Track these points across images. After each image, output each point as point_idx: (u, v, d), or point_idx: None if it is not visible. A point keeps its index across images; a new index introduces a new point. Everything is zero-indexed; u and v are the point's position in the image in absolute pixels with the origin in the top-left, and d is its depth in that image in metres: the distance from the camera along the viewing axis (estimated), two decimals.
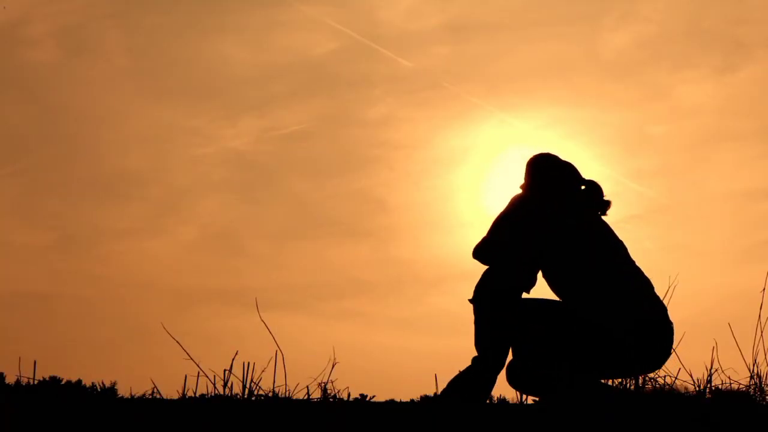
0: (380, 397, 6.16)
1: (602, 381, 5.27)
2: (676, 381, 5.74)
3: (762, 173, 14.29)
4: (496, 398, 6.55)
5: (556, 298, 5.34)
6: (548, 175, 5.42)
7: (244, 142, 14.87)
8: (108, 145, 15.07)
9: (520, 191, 5.49)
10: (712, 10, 14.10)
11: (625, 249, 5.30)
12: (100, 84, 14.71)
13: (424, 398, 6.20)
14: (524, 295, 5.35)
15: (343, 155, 14.85)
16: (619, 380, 5.74)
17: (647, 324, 5.15)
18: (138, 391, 6.20)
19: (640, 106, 14.25)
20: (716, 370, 5.80)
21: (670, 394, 5.69)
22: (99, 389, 6.40)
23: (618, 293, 5.18)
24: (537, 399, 5.51)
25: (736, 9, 13.98)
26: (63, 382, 6.61)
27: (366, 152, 14.67)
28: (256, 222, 15.30)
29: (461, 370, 5.42)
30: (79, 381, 6.63)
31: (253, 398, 5.82)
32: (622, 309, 5.15)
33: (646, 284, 5.26)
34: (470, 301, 5.42)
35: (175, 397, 5.95)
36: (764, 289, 5.85)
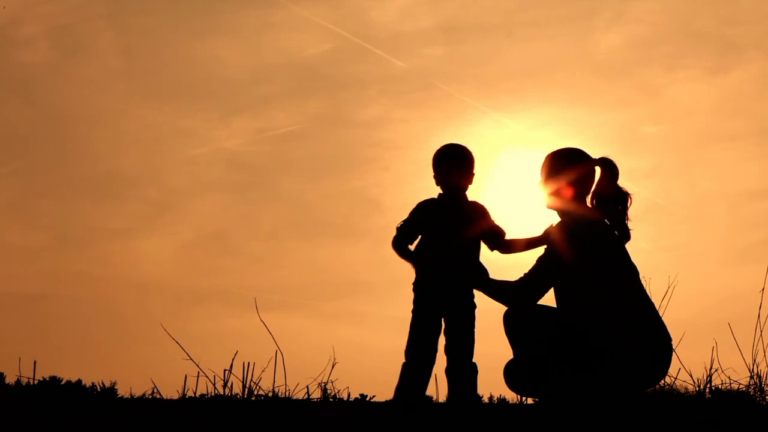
0: (380, 397, 6.15)
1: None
2: (676, 381, 5.75)
3: (756, 173, 14.30)
4: (496, 398, 6.56)
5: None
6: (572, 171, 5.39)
7: (238, 142, 14.84)
8: (102, 146, 15.03)
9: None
10: (704, 11, 14.12)
11: (638, 274, 5.27)
12: (93, 85, 14.66)
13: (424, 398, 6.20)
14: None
15: (338, 156, 14.83)
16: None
17: (659, 352, 5.12)
18: (138, 391, 6.20)
19: (633, 107, 14.25)
20: (716, 370, 5.82)
21: (670, 394, 5.69)
22: (99, 389, 6.40)
23: (633, 318, 5.14)
24: (536, 399, 5.51)
25: (728, 10, 14.00)
26: (63, 382, 6.59)
27: (360, 153, 14.65)
28: (251, 222, 15.27)
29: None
30: (79, 381, 6.62)
31: (253, 398, 5.82)
32: (638, 334, 5.11)
33: (655, 311, 5.23)
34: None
35: (175, 397, 5.94)
36: (763, 289, 5.86)
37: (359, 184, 14.59)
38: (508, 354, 5.28)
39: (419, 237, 5.60)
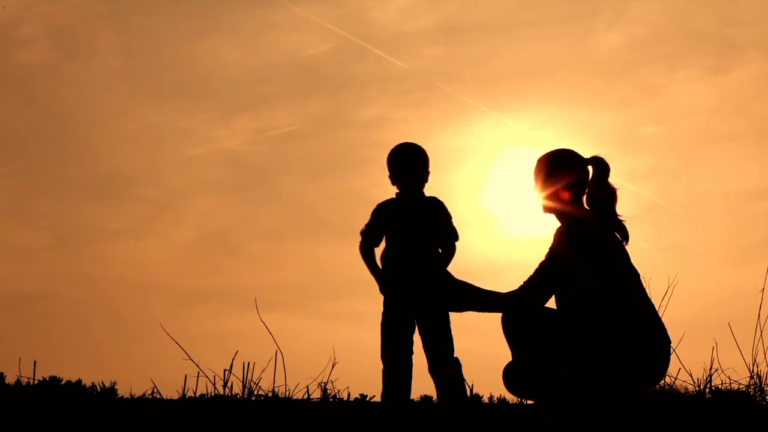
0: (380, 397, 6.15)
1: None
2: (676, 381, 5.75)
3: (756, 173, 14.30)
4: (496, 398, 6.55)
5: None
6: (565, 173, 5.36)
7: (238, 142, 14.84)
8: (102, 146, 15.03)
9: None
10: (704, 11, 14.12)
11: (638, 275, 5.25)
12: (93, 85, 14.67)
13: (424, 398, 6.20)
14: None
15: (337, 156, 14.82)
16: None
17: (658, 353, 5.09)
18: (138, 391, 6.20)
19: (633, 107, 14.25)
20: (716, 370, 5.82)
21: (670, 394, 5.69)
22: (99, 389, 6.40)
23: (633, 319, 5.12)
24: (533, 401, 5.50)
25: (728, 10, 14.00)
26: (63, 382, 6.60)
27: (360, 153, 14.65)
28: (251, 222, 15.27)
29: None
30: (79, 381, 6.62)
31: (253, 398, 5.82)
32: (638, 335, 5.08)
33: (655, 312, 5.21)
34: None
35: (175, 397, 5.94)
36: (763, 289, 5.86)
37: (359, 184, 14.58)
38: (507, 354, 5.28)
39: (384, 241, 5.64)
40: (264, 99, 14.75)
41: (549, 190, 5.36)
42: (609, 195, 5.33)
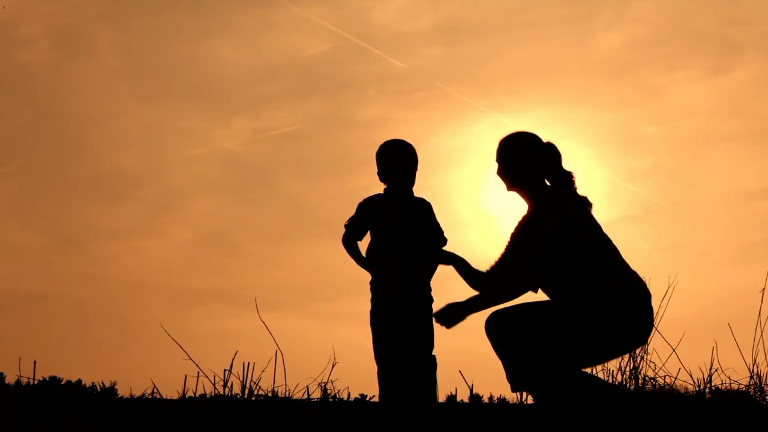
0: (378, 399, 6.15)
1: (601, 379, 5.26)
2: (676, 381, 5.76)
3: (756, 173, 14.31)
4: (496, 398, 6.56)
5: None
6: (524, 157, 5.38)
7: (238, 142, 14.86)
8: (102, 146, 15.04)
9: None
10: (704, 11, 14.13)
11: (611, 242, 5.29)
12: (93, 85, 14.67)
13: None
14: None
15: (337, 156, 14.82)
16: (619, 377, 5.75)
17: (643, 306, 5.11)
18: (138, 391, 6.20)
19: (633, 107, 14.25)
20: (716, 370, 5.82)
21: (670, 394, 5.70)
22: (99, 389, 6.40)
23: (614, 277, 5.15)
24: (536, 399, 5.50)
25: (728, 10, 14.00)
26: (63, 382, 6.60)
27: (360, 153, 14.64)
28: (250, 222, 15.28)
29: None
30: (79, 381, 6.62)
31: (253, 398, 5.82)
32: (614, 296, 5.11)
33: (630, 269, 5.24)
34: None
35: (175, 397, 5.94)
36: (763, 289, 5.86)
37: (359, 184, 14.59)
38: None
39: (369, 235, 5.65)
40: (264, 99, 14.76)
41: (511, 171, 5.39)
42: (566, 178, 5.39)
